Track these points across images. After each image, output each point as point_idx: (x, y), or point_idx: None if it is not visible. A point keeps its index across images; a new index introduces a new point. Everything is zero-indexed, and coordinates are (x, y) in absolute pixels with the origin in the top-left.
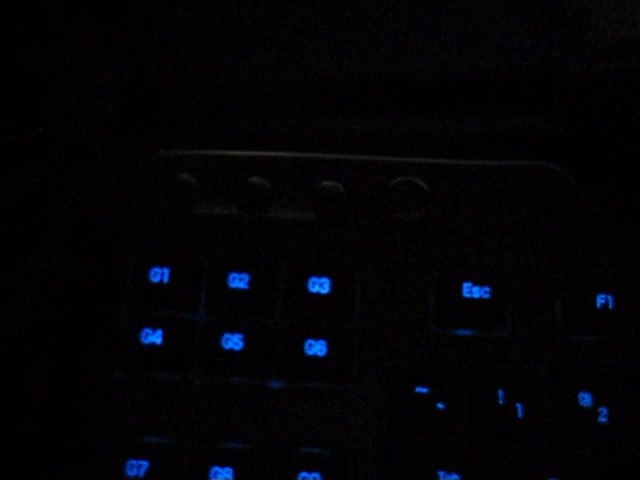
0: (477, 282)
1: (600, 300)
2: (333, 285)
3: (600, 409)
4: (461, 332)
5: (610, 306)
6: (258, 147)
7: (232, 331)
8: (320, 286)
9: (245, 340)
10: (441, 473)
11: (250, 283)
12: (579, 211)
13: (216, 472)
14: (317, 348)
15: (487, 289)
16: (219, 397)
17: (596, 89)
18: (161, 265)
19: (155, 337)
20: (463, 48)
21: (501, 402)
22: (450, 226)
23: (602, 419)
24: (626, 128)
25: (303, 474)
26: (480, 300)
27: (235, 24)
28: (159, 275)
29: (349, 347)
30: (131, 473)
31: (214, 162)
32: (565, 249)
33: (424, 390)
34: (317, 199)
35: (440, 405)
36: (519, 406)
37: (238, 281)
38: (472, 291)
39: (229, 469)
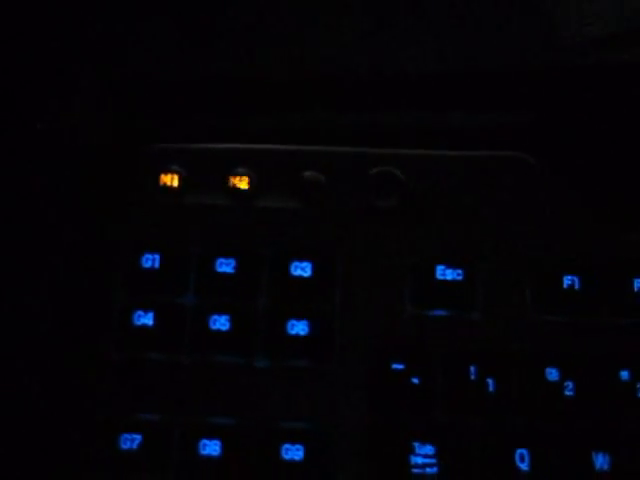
0: (450, 265)
1: (567, 281)
2: (314, 269)
3: (566, 383)
4: (436, 313)
5: (576, 287)
6: (244, 140)
7: (219, 312)
8: (302, 270)
9: (231, 321)
10: (416, 444)
11: (236, 268)
12: (548, 198)
13: (205, 445)
14: (299, 328)
15: (459, 272)
16: (207, 375)
17: (566, 83)
18: (152, 251)
19: (147, 319)
20: (438, 44)
21: (473, 378)
22: (425, 213)
23: (568, 393)
24: (596, 120)
25: (287, 445)
26: (453, 282)
27: (222, 22)
28: (150, 261)
29: (330, 327)
30: (125, 446)
31: (202, 155)
32: (534, 233)
33: (400, 367)
34: (300, 189)
35: (415, 380)
36: (490, 381)
37: (225, 266)
38: (445, 273)
39: (217, 442)
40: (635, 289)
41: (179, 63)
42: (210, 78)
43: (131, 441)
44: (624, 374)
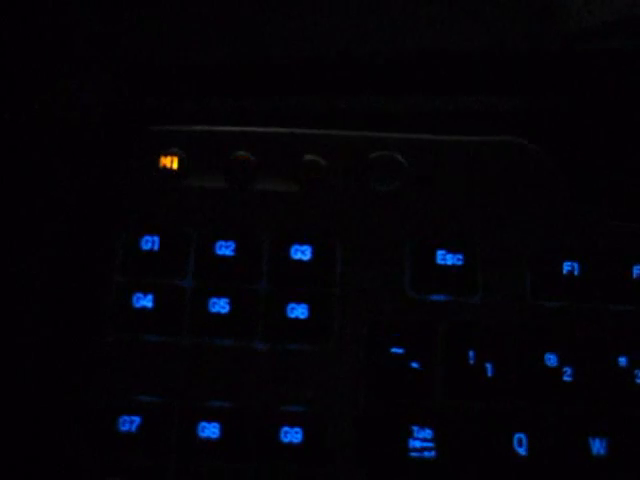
0: (450, 250)
1: (566, 267)
2: (314, 252)
3: (565, 369)
4: (435, 297)
5: (576, 272)
6: (244, 123)
7: (218, 295)
8: (302, 253)
9: (231, 304)
10: (415, 428)
11: (236, 250)
12: (548, 183)
13: (204, 427)
14: (299, 311)
15: (460, 256)
16: (207, 358)
17: (568, 69)
18: (152, 234)
19: (146, 301)
20: (439, 28)
21: (472, 362)
22: (425, 197)
23: (567, 378)
24: (596, 106)
25: (285, 428)
26: (453, 267)
27: (219, 5)
28: (150, 243)
29: (329, 310)
30: (124, 428)
31: (202, 137)
32: (534, 219)
33: (400, 351)
34: (300, 172)
35: (414, 364)
36: (488, 366)
37: (224, 249)
38: (445, 258)
39: (216, 425)
40: (634, 275)
41: (179, 46)
42: (211, 61)
43: (130, 423)
44: (622, 360)
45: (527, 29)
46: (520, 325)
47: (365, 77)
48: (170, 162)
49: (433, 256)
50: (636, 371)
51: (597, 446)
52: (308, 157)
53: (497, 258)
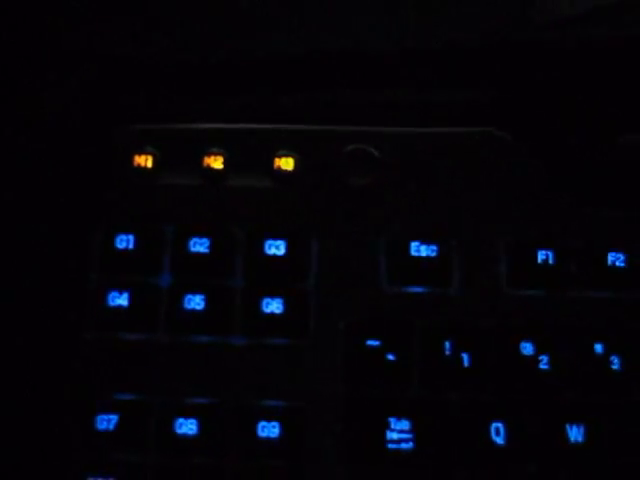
0: (424, 241)
1: (541, 256)
2: (288, 247)
3: (541, 357)
4: (411, 289)
5: (550, 261)
6: (217, 120)
7: (194, 292)
8: (276, 248)
9: (206, 300)
10: (392, 420)
11: (210, 247)
12: (522, 173)
13: (181, 424)
14: (274, 306)
15: (434, 248)
16: (184, 355)
17: (536, 60)
18: (126, 232)
19: (122, 300)
20: (410, 22)
21: (448, 353)
22: (399, 190)
23: (543, 366)
24: (568, 96)
25: (263, 423)
26: (428, 258)
27: (193, 3)
28: (125, 242)
29: (305, 305)
30: (102, 427)
31: (175, 135)
32: (508, 208)
33: (376, 343)
34: (274, 168)
35: (391, 357)
36: (465, 356)
37: (199, 246)
38: (420, 250)
39: (193, 421)
40: (609, 263)
41: (152, 44)
42: (183, 59)
43: (107, 421)
44: (598, 347)
45: (499, 20)
46: (496, 315)
47: (337, 72)
48: (144, 160)
49: (407, 248)
50: (612, 358)
51: (574, 433)
52: (281, 152)
53: (472, 248)
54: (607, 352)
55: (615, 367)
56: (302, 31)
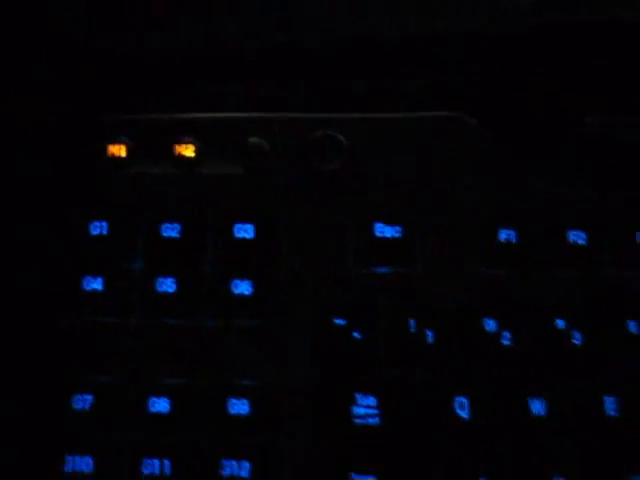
0: (388, 222)
1: (503, 235)
2: (257, 230)
3: (503, 333)
4: (377, 269)
5: (512, 240)
6: (188, 110)
7: (165, 275)
8: (245, 232)
9: (177, 283)
10: (358, 396)
11: (181, 232)
12: (484, 154)
13: (154, 402)
14: (243, 287)
15: (398, 229)
16: (157, 337)
17: (501, 46)
18: (100, 219)
19: (96, 284)
20: (376, 10)
21: (412, 330)
22: (366, 174)
23: (505, 342)
24: (530, 81)
25: (232, 400)
26: (392, 239)
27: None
28: (99, 228)
29: (274, 286)
30: (78, 406)
31: (148, 125)
32: (471, 189)
33: (342, 322)
34: (244, 155)
35: (357, 335)
36: (429, 333)
37: (170, 230)
38: (384, 231)
39: (165, 399)
40: (570, 241)
41: (125, 36)
42: (154, 52)
43: (83, 401)
44: (560, 323)
45: (463, 9)
46: (460, 293)
47: (306, 62)
48: (118, 150)
49: (372, 229)
50: (573, 332)
51: (537, 407)
52: (252, 140)
53: (436, 229)
54: (568, 328)
55: (576, 342)
56: (270, 23)
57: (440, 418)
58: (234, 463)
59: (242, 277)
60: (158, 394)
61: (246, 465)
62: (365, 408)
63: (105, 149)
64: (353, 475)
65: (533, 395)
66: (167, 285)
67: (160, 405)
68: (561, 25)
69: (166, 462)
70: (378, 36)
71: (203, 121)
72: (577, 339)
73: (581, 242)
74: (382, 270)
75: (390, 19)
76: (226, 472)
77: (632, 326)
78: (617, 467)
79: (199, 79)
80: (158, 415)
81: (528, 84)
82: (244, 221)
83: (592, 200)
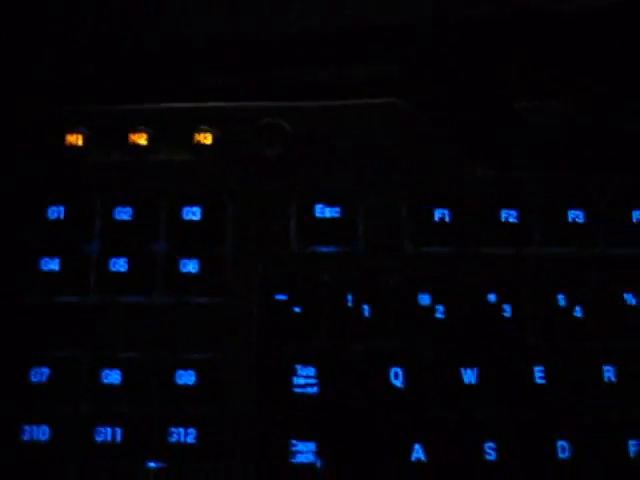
0: (328, 203)
1: (438, 214)
2: (204, 212)
3: (437, 307)
4: (318, 248)
5: (447, 219)
6: (142, 101)
7: (118, 255)
8: (192, 214)
9: (130, 263)
10: (298, 366)
11: (134, 215)
12: (420, 138)
13: (107, 374)
14: (191, 266)
15: (337, 209)
16: (111, 314)
17: (434, 34)
18: (58, 204)
19: (53, 265)
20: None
21: (350, 305)
22: (308, 158)
23: (438, 315)
24: (465, 65)
25: (180, 371)
26: (332, 219)
27: None
28: (56, 212)
29: (220, 265)
30: (35, 379)
31: (103, 115)
32: (408, 171)
33: (283, 297)
34: (194, 142)
35: (297, 309)
36: (365, 307)
37: (123, 214)
38: (324, 211)
39: (117, 371)
40: (502, 219)
41: (83, 27)
42: (109, 43)
43: (40, 374)
44: (491, 297)
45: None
46: (397, 270)
47: (252, 54)
48: (75, 139)
49: (312, 210)
50: (504, 306)
51: (469, 375)
52: (201, 128)
53: (375, 210)
54: (499, 301)
55: (506, 314)
56: (216, 14)
57: (375, 387)
58: (181, 430)
59: (190, 256)
60: (111, 367)
61: (192, 432)
62: (305, 378)
63: (63, 138)
64: (294, 441)
65: (465, 365)
66: (120, 265)
67: (112, 377)
68: (490, 11)
69: (118, 430)
70: (315, 28)
71: (155, 111)
72: (507, 311)
73: (512, 220)
74: (323, 249)
75: (326, 10)
76: (173, 439)
77: (560, 299)
78: (545, 432)
79: (152, 72)
80: (111, 386)
81: (460, 70)
82: (192, 204)
83: (522, 181)
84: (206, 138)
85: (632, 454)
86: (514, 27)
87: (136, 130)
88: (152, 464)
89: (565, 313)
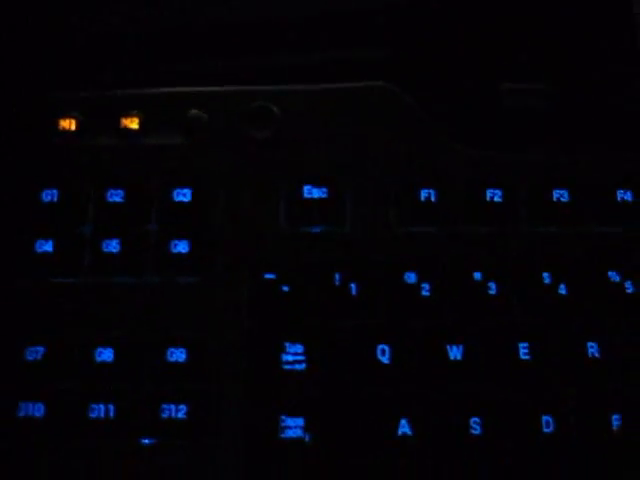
0: (316, 184)
1: (424, 194)
2: (194, 194)
3: (423, 285)
4: (307, 229)
5: (432, 199)
6: (134, 86)
7: (110, 237)
8: (183, 196)
9: (122, 244)
10: (287, 344)
11: (126, 197)
12: (407, 121)
13: (100, 352)
14: (181, 247)
15: (324, 190)
16: (104, 294)
17: (419, 18)
18: (51, 187)
19: (47, 246)
20: None
21: (337, 284)
22: (297, 141)
23: (424, 293)
24: (447, 49)
25: (171, 349)
26: (319, 200)
27: None
28: (50, 196)
29: (210, 245)
30: (30, 357)
31: (96, 101)
32: (395, 153)
33: (272, 276)
34: (185, 126)
35: (285, 288)
36: (352, 286)
37: (115, 196)
38: (312, 192)
39: (110, 349)
40: (487, 199)
41: (75, 13)
42: (101, 28)
43: (35, 352)
44: (477, 275)
45: None
46: (385, 250)
47: (241, 39)
48: (68, 124)
49: (301, 191)
50: (489, 284)
51: (454, 352)
52: (192, 112)
53: (364, 191)
54: (485, 279)
55: (491, 292)
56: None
57: (362, 364)
58: (172, 407)
59: (180, 237)
60: (104, 345)
61: (183, 408)
62: (293, 355)
63: (57, 123)
64: (283, 416)
65: (451, 342)
66: (112, 246)
67: (105, 355)
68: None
69: (110, 407)
70: (302, 12)
71: (147, 96)
72: (492, 289)
73: (497, 199)
74: (311, 229)
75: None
76: (165, 415)
77: (545, 277)
78: (529, 407)
79: (143, 57)
80: (104, 364)
81: (445, 53)
82: (182, 186)
83: (507, 161)
84: (196, 122)
85: (615, 428)
86: (498, 8)
87: (128, 115)
88: (145, 441)
89: (550, 290)
